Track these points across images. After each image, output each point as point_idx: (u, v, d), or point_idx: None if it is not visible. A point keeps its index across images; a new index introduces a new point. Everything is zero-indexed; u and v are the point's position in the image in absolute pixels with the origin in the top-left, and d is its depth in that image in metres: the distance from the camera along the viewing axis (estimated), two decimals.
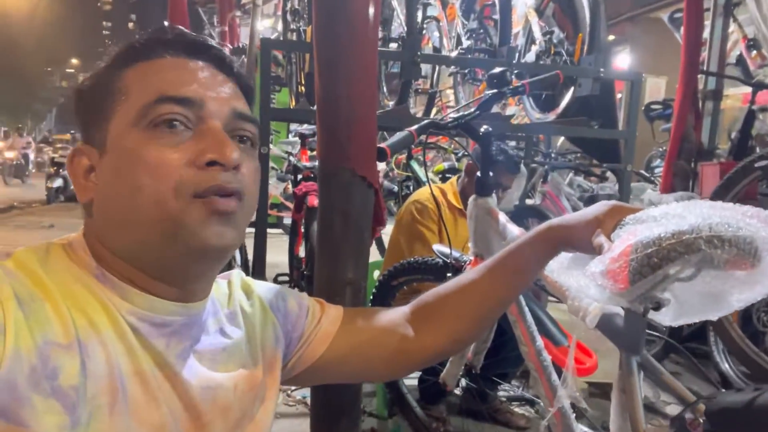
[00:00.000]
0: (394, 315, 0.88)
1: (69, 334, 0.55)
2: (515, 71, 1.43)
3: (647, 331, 0.84)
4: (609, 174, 4.02)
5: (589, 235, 0.73)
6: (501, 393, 2.40)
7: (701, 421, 0.72)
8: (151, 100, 0.60)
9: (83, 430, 0.53)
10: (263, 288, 0.83)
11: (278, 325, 0.80)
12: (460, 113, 1.39)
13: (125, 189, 0.59)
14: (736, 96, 4.95)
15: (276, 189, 5.38)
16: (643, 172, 4.60)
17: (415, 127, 1.25)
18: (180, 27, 0.69)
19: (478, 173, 1.39)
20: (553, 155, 3.90)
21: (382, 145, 1.16)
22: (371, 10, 1.13)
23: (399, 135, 1.22)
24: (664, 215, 0.70)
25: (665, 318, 0.74)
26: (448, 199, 2.34)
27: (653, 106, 4.63)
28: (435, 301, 0.88)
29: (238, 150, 0.62)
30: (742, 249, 0.63)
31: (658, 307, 0.71)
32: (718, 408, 0.69)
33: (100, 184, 0.62)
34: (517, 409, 2.34)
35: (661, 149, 4.91)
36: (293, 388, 2.45)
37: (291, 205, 3.83)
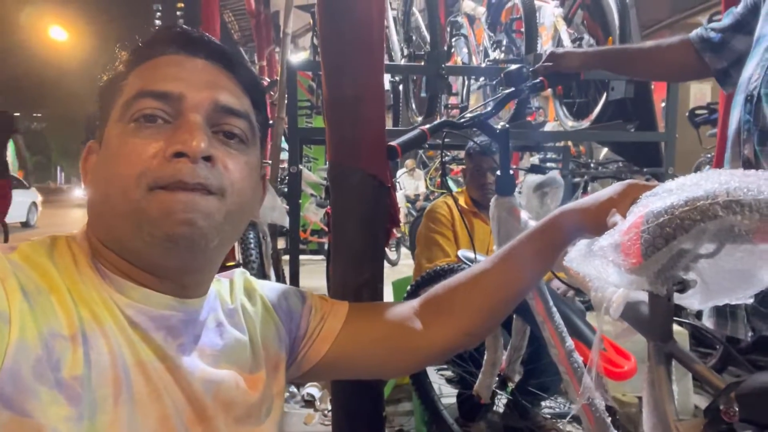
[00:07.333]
0: (403, 309, 0.85)
1: (73, 326, 0.55)
2: (531, 68, 1.38)
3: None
4: (653, 181, 3.88)
5: (604, 217, 0.68)
6: (546, 409, 2.29)
7: (736, 409, 0.65)
8: (132, 95, 0.61)
9: (88, 421, 0.53)
10: (266, 287, 0.82)
11: (281, 324, 0.79)
12: (477, 113, 1.36)
13: (102, 180, 0.61)
14: None
15: (316, 215, 5.45)
16: None
17: (428, 125, 1.23)
18: (182, 25, 0.70)
19: (498, 173, 1.35)
20: (592, 165, 3.79)
21: (393, 143, 1.14)
22: (376, 10, 1.12)
23: (411, 133, 1.19)
24: (680, 186, 0.64)
25: (693, 301, 0.68)
26: (460, 204, 2.39)
27: (698, 111, 4.46)
28: (444, 294, 0.84)
29: (206, 140, 0.60)
30: (766, 214, 0.56)
31: (683, 289, 0.65)
32: (749, 391, 0.62)
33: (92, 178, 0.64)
34: (563, 427, 2.23)
35: (709, 155, 4.70)
36: (329, 408, 2.40)
37: None
